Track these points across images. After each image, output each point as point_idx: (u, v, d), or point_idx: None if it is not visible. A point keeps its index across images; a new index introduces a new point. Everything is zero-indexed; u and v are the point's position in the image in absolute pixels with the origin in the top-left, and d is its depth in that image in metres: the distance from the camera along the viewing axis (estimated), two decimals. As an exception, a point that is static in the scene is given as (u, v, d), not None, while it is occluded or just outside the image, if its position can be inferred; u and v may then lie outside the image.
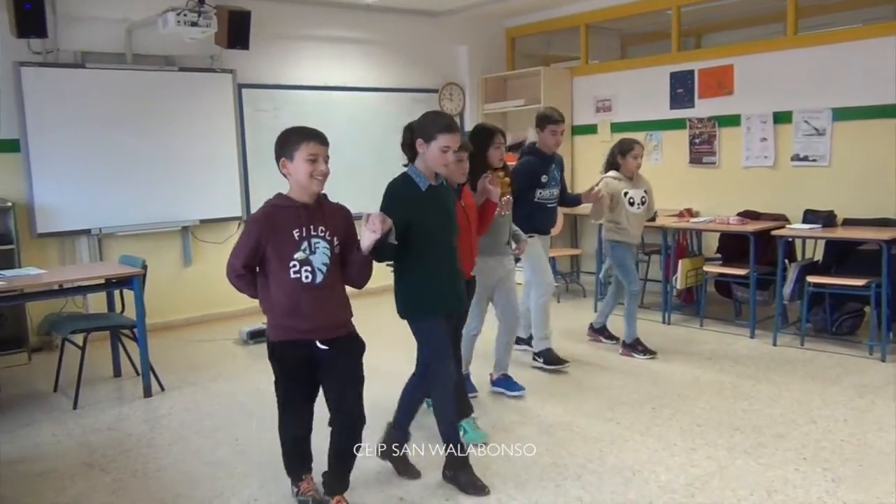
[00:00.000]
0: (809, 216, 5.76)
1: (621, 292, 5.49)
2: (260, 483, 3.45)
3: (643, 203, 5.23)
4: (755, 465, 3.46)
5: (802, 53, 6.13)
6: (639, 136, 7.21)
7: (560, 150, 5.10)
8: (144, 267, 4.86)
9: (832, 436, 3.77)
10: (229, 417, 4.36)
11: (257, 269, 2.89)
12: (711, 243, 6.63)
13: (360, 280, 2.97)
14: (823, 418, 4.00)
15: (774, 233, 5.51)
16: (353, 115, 7.62)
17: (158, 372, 4.90)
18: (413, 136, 3.19)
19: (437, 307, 3.25)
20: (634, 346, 5.29)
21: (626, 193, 5.19)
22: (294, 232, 2.78)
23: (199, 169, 6.66)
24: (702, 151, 6.89)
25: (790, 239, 5.64)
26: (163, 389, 4.85)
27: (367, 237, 2.82)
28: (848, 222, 5.63)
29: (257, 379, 4.95)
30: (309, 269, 2.80)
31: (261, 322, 6.05)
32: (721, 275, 6.09)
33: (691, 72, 6.90)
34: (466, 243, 3.59)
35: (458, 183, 3.61)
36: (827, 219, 5.58)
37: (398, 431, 3.48)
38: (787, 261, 5.61)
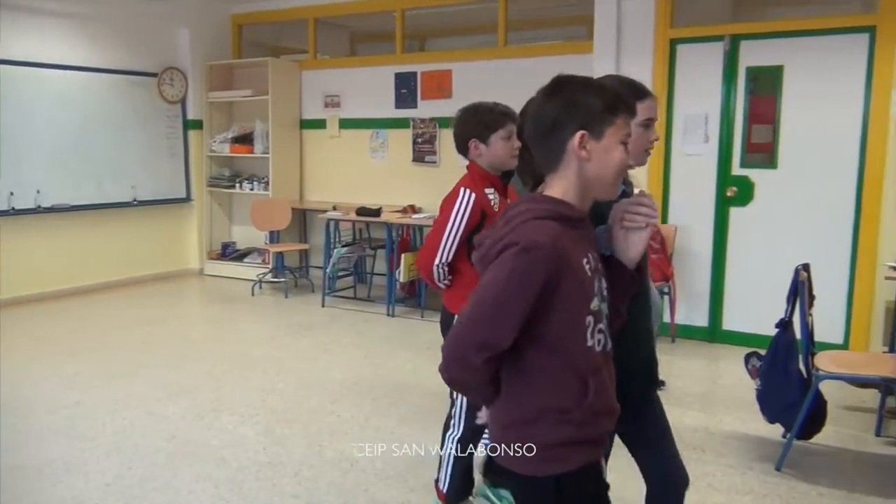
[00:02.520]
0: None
1: None
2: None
3: None
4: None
5: (510, 63, 6.65)
6: (365, 133, 7.47)
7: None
8: None
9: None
10: None
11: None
12: (432, 238, 6.96)
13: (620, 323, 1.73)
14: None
15: (487, 229, 5.95)
16: (59, 95, 6.85)
17: None
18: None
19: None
20: None
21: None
22: (584, 262, 1.55)
23: None
24: (424, 151, 7.21)
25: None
26: None
27: (639, 240, 1.65)
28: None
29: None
30: (602, 327, 1.59)
31: None
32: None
33: (414, 74, 7.19)
34: None
35: (504, 170, 2.81)
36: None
37: None
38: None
